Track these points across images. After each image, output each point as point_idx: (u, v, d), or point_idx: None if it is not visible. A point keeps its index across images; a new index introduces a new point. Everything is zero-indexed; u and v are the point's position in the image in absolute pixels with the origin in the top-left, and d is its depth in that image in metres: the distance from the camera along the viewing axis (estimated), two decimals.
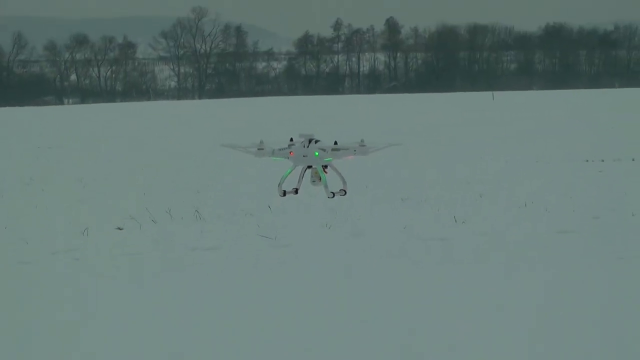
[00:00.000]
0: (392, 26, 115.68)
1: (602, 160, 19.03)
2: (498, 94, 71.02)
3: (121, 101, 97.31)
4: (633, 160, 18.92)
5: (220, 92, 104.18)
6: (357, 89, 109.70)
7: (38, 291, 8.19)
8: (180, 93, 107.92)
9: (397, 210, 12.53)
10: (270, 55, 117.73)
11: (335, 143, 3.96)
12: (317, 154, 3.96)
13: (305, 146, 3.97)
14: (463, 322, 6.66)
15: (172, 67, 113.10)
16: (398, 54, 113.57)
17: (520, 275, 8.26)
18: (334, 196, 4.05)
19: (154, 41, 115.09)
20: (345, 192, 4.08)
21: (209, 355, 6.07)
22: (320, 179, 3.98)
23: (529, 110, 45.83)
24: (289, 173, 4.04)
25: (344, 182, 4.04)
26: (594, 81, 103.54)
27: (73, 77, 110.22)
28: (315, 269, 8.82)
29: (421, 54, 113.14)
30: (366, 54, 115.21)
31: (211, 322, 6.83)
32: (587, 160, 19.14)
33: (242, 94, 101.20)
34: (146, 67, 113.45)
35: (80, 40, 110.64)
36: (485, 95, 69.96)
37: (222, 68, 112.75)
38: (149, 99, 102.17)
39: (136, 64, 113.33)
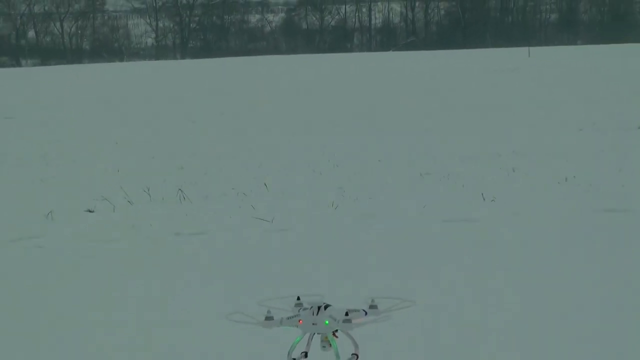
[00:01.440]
0: None
1: None
2: (535, 50, 70.80)
3: (89, 62, 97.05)
4: None
5: (206, 51, 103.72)
6: (368, 46, 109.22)
7: None
8: (159, 52, 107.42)
9: (415, 187, 12.61)
10: (264, 5, 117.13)
11: (347, 314, 4.16)
12: (327, 322, 4.17)
13: (315, 314, 4.20)
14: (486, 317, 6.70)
15: (148, 20, 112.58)
16: (417, 3, 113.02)
17: (559, 261, 8.31)
18: None
19: None
20: (357, 357, 4.19)
21: (195, 352, 6.10)
22: (330, 344, 4.17)
23: (572, 69, 45.61)
24: (299, 341, 4.23)
25: (356, 346, 4.21)
26: None
27: (31, 33, 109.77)
28: (318, 257, 8.85)
29: (444, 3, 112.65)
30: (379, 3, 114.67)
31: (197, 318, 6.87)
32: None
33: (232, 52, 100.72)
34: (118, 21, 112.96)
35: None
36: (521, 51, 69.65)
37: (209, 22, 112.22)
38: (121, 59, 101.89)
39: (106, 17, 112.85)
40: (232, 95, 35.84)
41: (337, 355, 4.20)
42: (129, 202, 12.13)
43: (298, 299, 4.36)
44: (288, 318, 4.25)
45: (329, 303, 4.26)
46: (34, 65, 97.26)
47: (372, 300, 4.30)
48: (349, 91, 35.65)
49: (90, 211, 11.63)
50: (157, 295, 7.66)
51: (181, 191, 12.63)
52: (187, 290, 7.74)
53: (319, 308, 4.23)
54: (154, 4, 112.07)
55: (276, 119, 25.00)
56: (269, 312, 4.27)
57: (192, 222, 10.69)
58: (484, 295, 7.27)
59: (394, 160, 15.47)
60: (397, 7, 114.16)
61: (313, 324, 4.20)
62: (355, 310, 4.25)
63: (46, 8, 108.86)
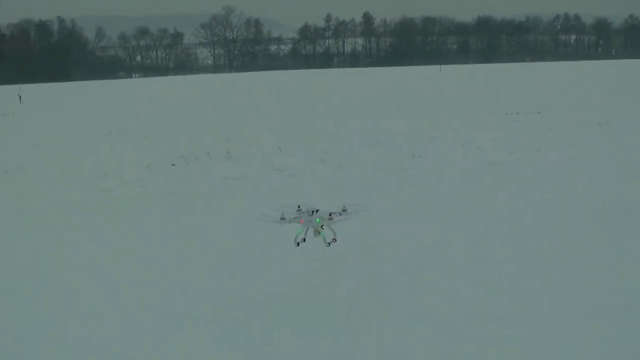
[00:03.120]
0: (367, 19, 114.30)
1: (518, 113, 18.85)
2: (444, 67, 70.28)
3: (173, 75, 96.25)
4: (539, 112, 18.75)
5: (244, 68, 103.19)
6: (342, 64, 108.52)
7: (113, 208, 8.05)
8: (215, 68, 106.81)
9: (371, 150, 12.35)
10: (279, 40, 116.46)
11: (329, 214, 4.30)
12: (318, 220, 4.31)
13: (310, 215, 4.32)
14: (417, 226, 6.54)
15: (209, 49, 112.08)
16: (372, 39, 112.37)
17: (461, 191, 8.15)
18: (329, 245, 4.33)
19: (196, 31, 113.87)
20: (336, 240, 4.34)
21: (247, 248, 5.82)
22: (319, 233, 4.35)
23: (465, 78, 45.37)
24: (301, 232, 4.36)
25: (334, 234, 4.34)
26: (512, 57, 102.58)
27: (138, 58, 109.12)
28: (312, 191, 8.70)
29: (388, 39, 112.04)
30: (349, 39, 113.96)
31: (241, 225, 6.73)
32: (507, 113, 18.96)
33: (260, 68, 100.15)
34: (190, 50, 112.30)
35: (143, 31, 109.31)
36: (434, 68, 69.25)
37: (245, 50, 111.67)
38: (192, 73, 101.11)
39: (183, 48, 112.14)
40: (259, 93, 35.46)
41: (324, 239, 4.33)
42: (197, 159, 11.88)
43: (299, 207, 4.47)
44: (294, 218, 4.39)
45: (318, 208, 4.38)
46: (140, 77, 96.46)
47: (344, 207, 4.44)
48: (330, 91, 35.29)
49: (173, 165, 11.37)
50: (218, 210, 7.53)
51: (228, 152, 12.41)
52: (235, 208, 7.60)
53: (312, 212, 4.34)
54: (212, 40, 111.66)
55: (280, 109, 24.73)
56: (282, 214, 4.38)
57: (235, 171, 10.47)
58: (406, 207, 7.13)
59: (357, 134, 15.20)
60: (360, 41, 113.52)
61: (309, 221, 4.33)
62: (334, 212, 4.37)
63: (147, 42, 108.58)
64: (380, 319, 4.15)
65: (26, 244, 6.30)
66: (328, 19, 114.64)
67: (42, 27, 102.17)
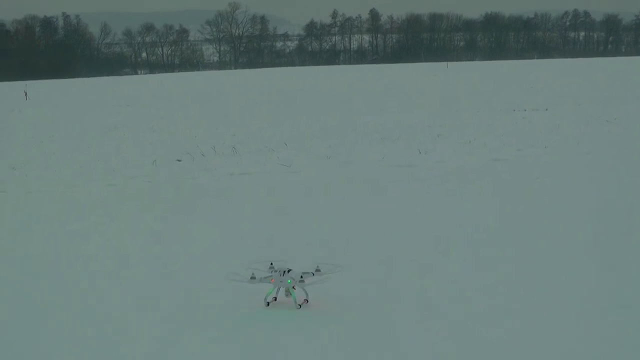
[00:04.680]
0: (374, 15, 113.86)
1: (525, 110, 18.77)
2: (451, 64, 70.13)
3: (178, 71, 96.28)
4: (546, 109, 18.66)
5: (250, 64, 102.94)
6: (349, 61, 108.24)
7: (119, 203, 8.05)
8: (221, 65, 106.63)
9: (377, 146, 12.33)
10: (285, 37, 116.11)
11: (301, 277, 4.28)
12: (289, 281, 4.29)
13: (282, 275, 4.30)
14: (423, 223, 6.51)
15: (214, 46, 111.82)
16: (378, 35, 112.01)
17: (466, 188, 8.11)
18: (300, 307, 4.27)
19: (202, 28, 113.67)
20: (307, 301, 4.31)
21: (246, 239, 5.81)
22: (290, 294, 4.33)
23: (472, 74, 45.23)
24: (271, 292, 4.34)
25: (307, 295, 4.32)
26: (520, 54, 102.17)
27: (144, 54, 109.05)
28: (317, 187, 8.67)
29: (395, 35, 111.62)
30: (355, 35, 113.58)
31: (243, 218, 6.73)
32: (514, 110, 18.91)
33: (266, 65, 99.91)
34: (196, 46, 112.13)
35: (149, 28, 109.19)
36: (441, 65, 69.08)
37: (251, 46, 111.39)
38: (198, 69, 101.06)
39: (189, 44, 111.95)
40: (265, 89, 35.42)
41: (295, 301, 4.30)
42: (202, 154, 11.91)
43: (271, 264, 4.42)
44: (264, 277, 4.35)
45: (290, 268, 4.35)
46: (145, 73, 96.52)
47: (317, 266, 4.39)
48: (337, 87, 35.25)
49: (179, 160, 11.41)
50: (218, 205, 7.53)
51: (234, 148, 12.42)
52: (238, 204, 7.55)
53: (284, 272, 4.32)
54: (218, 36, 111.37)
55: (286, 105, 24.72)
56: (253, 274, 4.34)
57: (240, 167, 10.46)
58: (414, 204, 7.10)
59: (364, 129, 15.19)
60: (366, 38, 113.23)
61: (280, 281, 4.32)
62: (307, 273, 4.34)
63: (153, 39, 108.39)
64: (388, 316, 4.13)
65: (33, 238, 6.32)
66: (334, 15, 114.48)
67: (47, 23, 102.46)
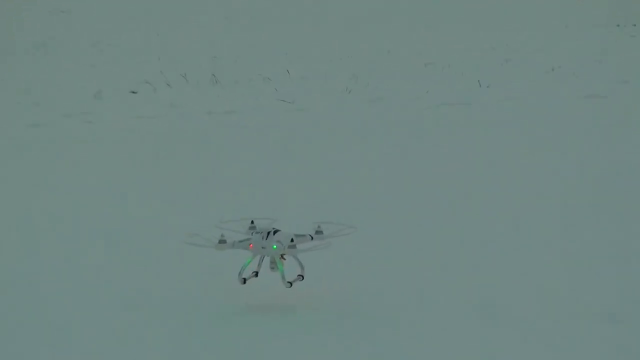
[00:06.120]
0: None
1: (634, 25, 18.50)
2: None
3: None
4: None
5: None
6: None
7: (50, 154, 8.16)
8: None
9: (419, 76, 12.29)
10: None
11: (292, 240, 4.11)
12: (275, 247, 4.09)
13: (264, 238, 4.11)
14: (482, 188, 6.55)
15: None
16: None
17: (547, 138, 8.18)
18: (291, 286, 4.14)
19: None
20: (303, 278, 4.17)
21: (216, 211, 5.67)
22: (277, 267, 4.15)
23: None
24: (249, 263, 4.17)
25: (302, 268, 4.15)
26: None
27: None
28: (331, 134, 8.75)
29: None
30: None
31: (222, 174, 6.89)
32: (619, 25, 18.60)
33: None
34: None
35: None
36: None
37: None
38: None
39: None
40: None
41: (283, 277, 4.13)
42: (167, 84, 11.91)
43: (252, 222, 4.27)
44: (240, 241, 4.18)
45: (278, 228, 4.17)
46: None
47: (318, 226, 4.24)
48: None
49: (133, 92, 11.42)
50: (188, 156, 7.70)
51: (214, 76, 12.37)
52: (214, 154, 7.73)
53: (268, 233, 4.13)
54: None
55: (290, 14, 24.40)
56: (222, 235, 4.17)
57: (223, 102, 10.50)
58: (468, 159, 7.21)
59: (401, 51, 15.06)
60: None
61: (262, 247, 4.12)
62: (302, 235, 4.18)
63: None
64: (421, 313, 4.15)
65: None
66: None
67: None
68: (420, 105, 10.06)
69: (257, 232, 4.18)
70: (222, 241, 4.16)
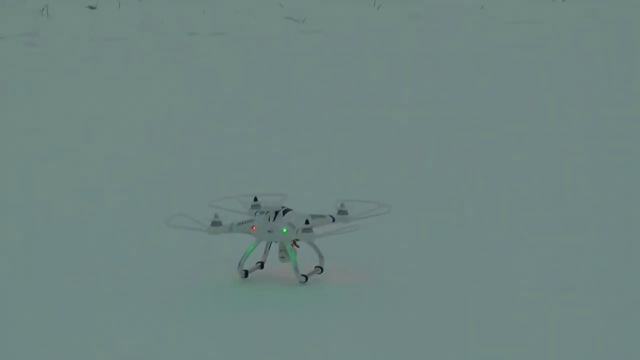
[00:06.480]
0: None
1: None
2: None
3: None
4: None
5: None
6: None
7: None
8: None
9: None
10: None
11: (307, 222, 3.89)
12: (285, 230, 3.89)
13: (271, 219, 3.92)
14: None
15: None
16: None
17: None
18: (306, 280, 3.93)
19: None
20: (322, 270, 3.99)
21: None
22: (288, 255, 3.99)
23: None
24: (251, 251, 3.96)
25: (321, 257, 3.97)
26: None
27: None
28: (353, 63, 8.27)
29: None
30: None
31: (215, 144, 6.37)
32: None
33: None
34: None
35: None
36: None
37: None
38: None
39: None
40: None
41: (296, 269, 4.02)
42: None
43: (255, 199, 4.21)
44: (239, 224, 4.07)
45: (289, 207, 4.08)
46: None
47: (341, 204, 4.14)
48: None
49: (92, 8, 10.77)
50: (167, 106, 7.30)
51: None
52: (199, 100, 7.40)
53: (276, 213, 4.02)
54: None
55: None
56: (216, 216, 4.10)
57: (210, 22, 10.05)
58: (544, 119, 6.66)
59: None
60: None
61: (269, 231, 3.99)
62: (320, 216, 4.09)
63: None
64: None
65: None
66: None
67: None
68: (472, 25, 9.64)
69: (261, 212, 4.06)
70: (216, 223, 4.04)
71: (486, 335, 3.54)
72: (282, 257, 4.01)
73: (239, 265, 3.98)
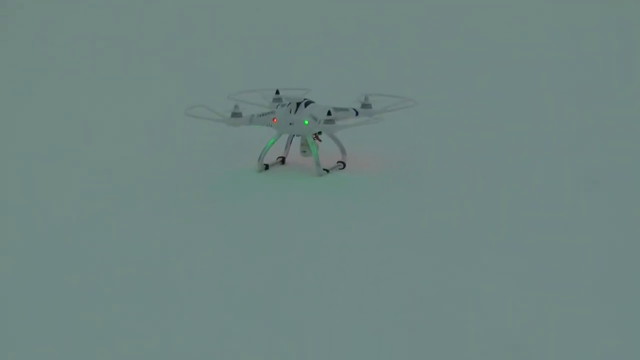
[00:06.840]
0: None
1: None
2: None
3: None
4: None
5: None
6: None
7: None
8: None
9: None
10: None
11: (329, 113, 3.79)
12: (307, 122, 3.82)
13: (293, 111, 3.82)
14: None
15: None
16: None
17: None
18: (327, 172, 3.91)
19: None
20: (344, 165, 3.97)
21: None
22: (310, 149, 3.91)
23: None
24: (272, 144, 3.91)
25: (343, 152, 3.97)
26: None
27: None
28: None
29: None
30: None
31: (235, 37, 6.51)
32: None
33: None
34: None
35: None
36: None
37: None
38: None
39: None
40: None
41: (318, 163, 3.84)
42: None
43: (277, 92, 3.91)
44: (260, 115, 3.86)
45: (311, 100, 3.88)
46: None
47: (365, 98, 3.93)
48: None
49: None
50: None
51: None
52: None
53: (297, 105, 3.83)
54: None
55: None
56: (236, 107, 3.90)
57: None
58: None
59: None
60: None
61: (290, 123, 3.81)
62: (343, 109, 3.91)
63: None
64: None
65: None
66: None
67: None
68: None
69: (283, 105, 3.88)
70: (236, 114, 3.88)
71: (504, 221, 3.64)
72: (304, 152, 3.94)
73: (260, 158, 3.91)
